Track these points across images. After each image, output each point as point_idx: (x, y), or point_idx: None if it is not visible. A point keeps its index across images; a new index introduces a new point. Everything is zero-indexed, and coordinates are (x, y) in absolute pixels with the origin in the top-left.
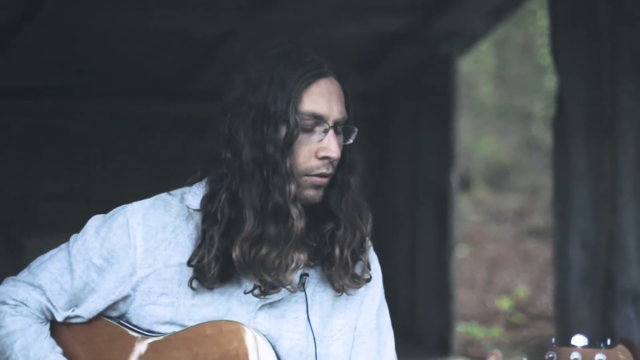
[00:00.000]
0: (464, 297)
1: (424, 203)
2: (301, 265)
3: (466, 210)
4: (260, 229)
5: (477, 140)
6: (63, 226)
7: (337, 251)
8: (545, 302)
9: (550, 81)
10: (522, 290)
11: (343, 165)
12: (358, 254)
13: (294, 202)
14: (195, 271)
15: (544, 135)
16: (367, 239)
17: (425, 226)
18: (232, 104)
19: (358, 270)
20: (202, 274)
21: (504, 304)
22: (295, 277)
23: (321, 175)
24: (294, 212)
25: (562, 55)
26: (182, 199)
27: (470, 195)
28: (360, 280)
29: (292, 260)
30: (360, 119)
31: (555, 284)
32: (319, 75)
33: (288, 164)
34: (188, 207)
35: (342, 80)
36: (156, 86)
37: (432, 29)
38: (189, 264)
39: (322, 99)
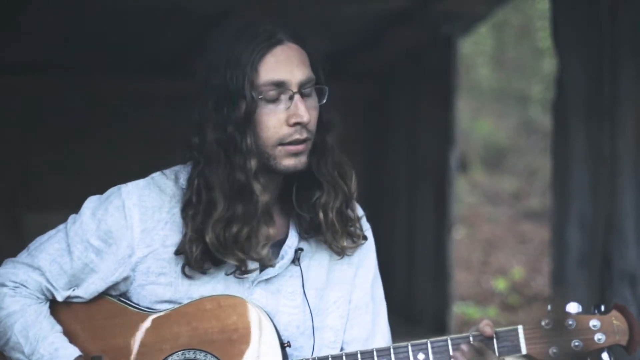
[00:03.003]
0: (460, 278)
1: (422, 183)
2: (271, 240)
3: (463, 192)
4: (230, 211)
5: (474, 122)
6: (63, 202)
7: (321, 215)
8: (541, 283)
9: (548, 64)
10: (518, 272)
11: (320, 126)
12: (346, 214)
13: (256, 177)
14: (184, 258)
15: (542, 118)
16: (354, 201)
17: (423, 206)
18: (199, 90)
19: (350, 231)
20: (188, 260)
21: (500, 284)
22: (289, 251)
23: (296, 142)
24: (257, 187)
25: (562, 38)
26: (176, 179)
27: (467, 177)
28: (357, 238)
29: (262, 235)
30: (359, 99)
31: (552, 265)
32: (272, 44)
33: (249, 141)
34: (182, 187)
35: (303, 43)
36: (156, 63)
37: (433, 9)
38: (176, 253)
39: (279, 65)
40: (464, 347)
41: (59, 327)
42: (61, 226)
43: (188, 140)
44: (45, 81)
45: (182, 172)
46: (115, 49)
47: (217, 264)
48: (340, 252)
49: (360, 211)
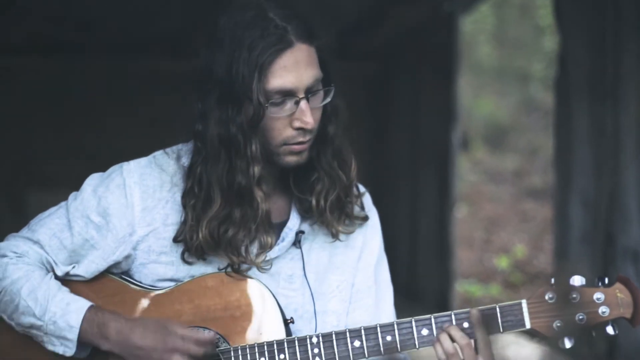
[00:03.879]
0: (462, 256)
1: (425, 162)
2: (266, 249)
3: (464, 170)
4: (227, 210)
5: (475, 101)
6: (65, 181)
7: (314, 202)
8: (543, 261)
9: (549, 42)
10: (520, 250)
11: (323, 116)
12: (341, 202)
13: (258, 184)
14: (184, 244)
15: (543, 96)
16: (359, 189)
17: (426, 184)
18: (202, 79)
19: (348, 213)
20: (188, 247)
21: (502, 262)
22: (290, 233)
23: (299, 143)
24: (259, 194)
25: (564, 15)
26: (178, 158)
27: (469, 155)
28: (353, 219)
29: (260, 243)
30: (361, 78)
31: (555, 242)
32: (282, 49)
33: (254, 147)
34: (183, 166)
35: (312, 40)
36: (158, 43)
37: None
38: (175, 240)
39: (287, 72)
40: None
41: (66, 288)
42: (62, 203)
43: (191, 125)
44: (47, 62)
45: (184, 151)
46: (118, 30)
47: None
48: (335, 235)
49: (361, 188)
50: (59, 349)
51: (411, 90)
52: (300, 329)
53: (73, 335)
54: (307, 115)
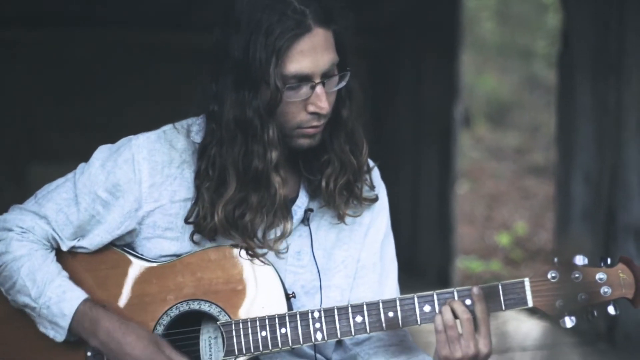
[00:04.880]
0: (463, 232)
1: (427, 137)
2: (286, 235)
3: (466, 147)
4: (242, 194)
5: (478, 77)
6: (68, 154)
7: (323, 184)
8: (544, 238)
9: (552, 19)
10: (521, 227)
11: (338, 100)
12: (352, 186)
13: (276, 169)
14: (195, 226)
15: (545, 73)
16: (368, 164)
17: (428, 160)
18: (218, 58)
19: (356, 195)
20: (201, 228)
21: (503, 239)
22: (299, 211)
23: (313, 127)
24: (276, 179)
25: None
26: (188, 133)
27: (471, 132)
28: (360, 200)
29: (277, 228)
30: (365, 53)
31: (556, 219)
32: (299, 34)
33: (271, 132)
34: (194, 142)
35: (329, 25)
36: (162, 15)
37: None
38: (186, 221)
39: (304, 57)
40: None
41: (65, 273)
42: (70, 175)
43: (205, 104)
44: (50, 34)
45: (195, 125)
46: (121, 2)
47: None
48: (341, 217)
49: (370, 163)
50: (50, 333)
51: (414, 66)
52: (305, 304)
53: (65, 323)
54: (323, 100)
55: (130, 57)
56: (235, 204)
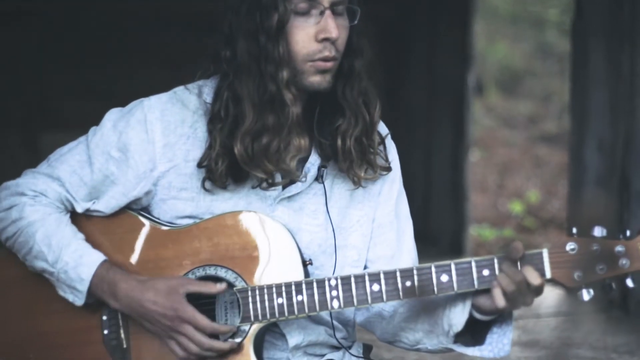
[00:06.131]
0: (475, 201)
1: (440, 105)
2: (302, 152)
3: (478, 115)
4: (260, 122)
5: (490, 46)
6: (79, 122)
7: (339, 142)
8: (557, 206)
9: None
10: (534, 195)
11: (349, 50)
12: (365, 142)
13: (287, 87)
14: (206, 171)
15: (558, 41)
16: (380, 126)
17: (441, 128)
18: (230, 1)
19: (370, 160)
20: (212, 173)
21: (516, 207)
22: (313, 169)
23: (324, 59)
24: (288, 97)
25: None
26: (199, 93)
27: (483, 100)
28: (375, 169)
29: (294, 147)
30: (377, 21)
31: (569, 186)
32: None
33: (281, 50)
34: (205, 102)
35: None
36: None
37: None
38: (199, 165)
39: None
40: (506, 267)
41: (81, 235)
42: (82, 138)
43: (217, 54)
44: (61, 2)
45: (206, 87)
46: None
47: (239, 180)
48: (357, 182)
49: (384, 129)
50: (69, 297)
51: (427, 33)
52: (323, 264)
53: (83, 287)
54: (332, 25)
55: (141, 24)
56: (252, 134)
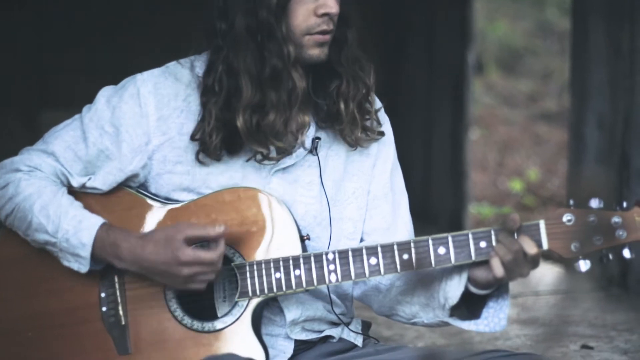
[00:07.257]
0: (475, 179)
1: (440, 83)
2: (307, 127)
3: (478, 93)
4: (259, 96)
5: (490, 24)
6: (79, 100)
7: (342, 105)
8: (557, 184)
9: None
10: (534, 173)
11: (340, 19)
12: (365, 106)
13: (294, 65)
14: (200, 144)
15: (558, 20)
16: (373, 94)
17: (441, 107)
18: None
19: (368, 123)
20: (206, 146)
21: (516, 186)
22: (307, 140)
23: (323, 32)
24: (295, 75)
25: None
26: (192, 67)
27: (483, 78)
28: (372, 133)
29: (298, 123)
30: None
31: (569, 164)
32: None
33: (284, 28)
34: (198, 76)
35: None
36: None
37: None
38: (192, 138)
39: None
40: (502, 237)
41: (78, 203)
42: (76, 116)
43: (211, 28)
44: None
45: (198, 61)
46: None
47: (233, 152)
48: (354, 144)
49: (378, 103)
50: (74, 265)
51: (427, 11)
52: (319, 236)
53: (86, 253)
54: (331, 0)
55: (140, 1)
56: (252, 108)
